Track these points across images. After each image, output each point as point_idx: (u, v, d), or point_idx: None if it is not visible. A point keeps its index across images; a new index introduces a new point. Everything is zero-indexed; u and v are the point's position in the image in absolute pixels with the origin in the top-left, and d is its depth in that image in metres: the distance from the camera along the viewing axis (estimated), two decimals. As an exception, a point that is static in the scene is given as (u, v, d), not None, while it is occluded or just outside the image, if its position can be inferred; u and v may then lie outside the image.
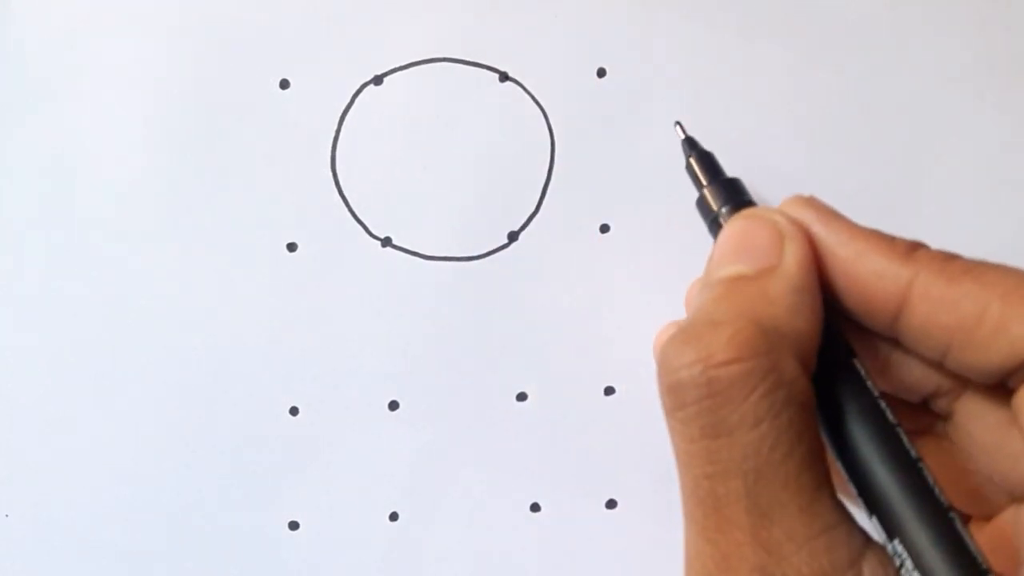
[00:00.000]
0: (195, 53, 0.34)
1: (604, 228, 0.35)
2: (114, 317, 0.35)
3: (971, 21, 0.35)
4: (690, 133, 0.30)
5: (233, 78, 0.34)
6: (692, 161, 0.28)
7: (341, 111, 0.34)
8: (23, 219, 0.34)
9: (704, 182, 0.27)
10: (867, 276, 0.22)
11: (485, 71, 0.34)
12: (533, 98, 0.34)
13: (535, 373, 0.36)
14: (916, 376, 0.24)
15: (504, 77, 0.34)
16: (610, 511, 0.36)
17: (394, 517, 0.37)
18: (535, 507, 0.37)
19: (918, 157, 0.35)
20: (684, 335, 0.21)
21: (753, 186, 0.34)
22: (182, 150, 0.34)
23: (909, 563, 0.20)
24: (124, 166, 0.34)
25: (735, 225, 0.24)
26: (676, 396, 0.21)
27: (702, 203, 0.27)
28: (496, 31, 0.34)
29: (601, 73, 0.34)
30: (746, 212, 0.25)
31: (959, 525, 0.20)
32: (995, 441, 0.23)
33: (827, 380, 0.22)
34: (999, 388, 0.22)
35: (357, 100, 0.34)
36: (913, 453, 0.21)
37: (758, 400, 0.20)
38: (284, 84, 0.34)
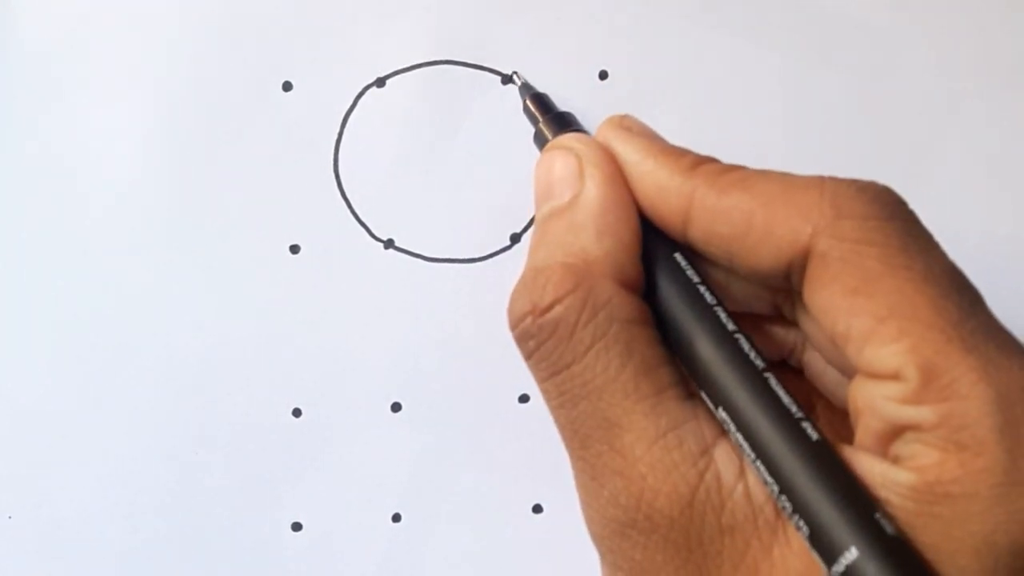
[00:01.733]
0: (198, 55, 0.34)
1: (606, 230, 0.35)
2: (116, 318, 0.35)
3: (971, 22, 0.35)
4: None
5: (236, 80, 0.34)
6: (528, 102, 0.30)
7: (344, 113, 0.34)
8: (26, 220, 0.34)
9: (539, 118, 0.29)
10: (654, 190, 0.23)
11: (487, 73, 0.34)
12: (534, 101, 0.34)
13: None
14: (748, 292, 0.25)
15: (506, 79, 0.34)
16: (612, 512, 0.37)
17: (396, 518, 0.37)
18: (537, 508, 0.37)
19: (918, 158, 0.35)
20: (517, 288, 0.23)
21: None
22: (185, 152, 0.34)
23: (732, 426, 0.21)
24: (127, 168, 0.34)
25: (542, 160, 0.25)
26: (522, 346, 0.23)
27: (538, 137, 0.29)
28: (498, 33, 0.34)
29: (603, 75, 0.34)
30: (551, 143, 0.26)
31: (773, 382, 0.21)
32: (822, 341, 0.24)
33: (653, 279, 0.23)
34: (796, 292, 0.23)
35: (360, 102, 0.34)
36: (730, 327, 0.22)
37: (582, 329, 0.22)
38: (287, 86, 0.34)
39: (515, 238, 0.35)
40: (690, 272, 0.23)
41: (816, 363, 0.26)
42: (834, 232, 0.21)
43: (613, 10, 0.34)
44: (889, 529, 0.19)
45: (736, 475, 0.21)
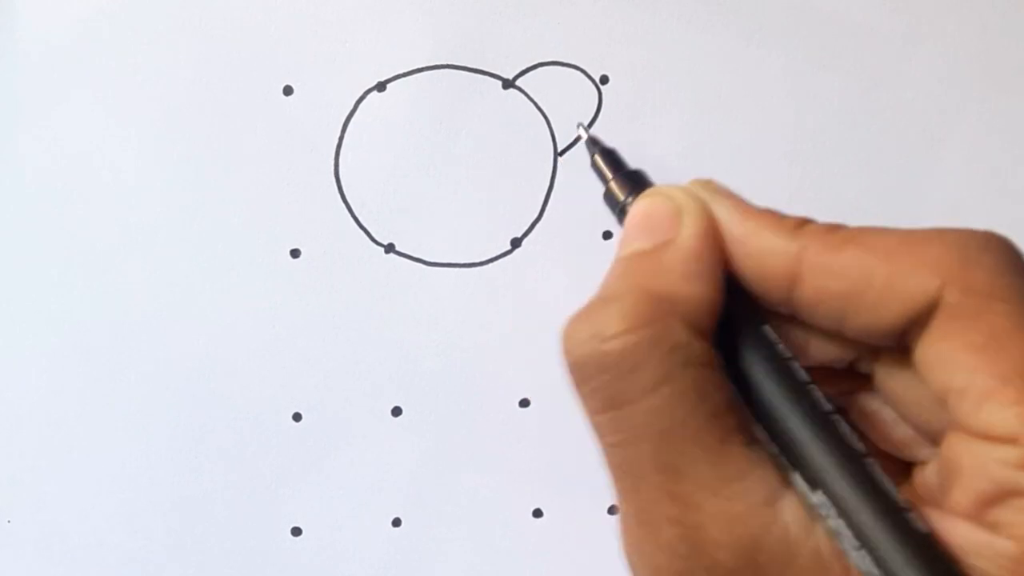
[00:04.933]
0: (199, 59, 0.34)
1: (607, 235, 0.35)
2: (117, 322, 0.35)
3: (972, 26, 0.35)
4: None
5: (237, 84, 0.34)
6: (596, 158, 0.29)
7: (344, 117, 0.34)
8: (27, 223, 0.34)
9: (609, 176, 0.29)
10: (759, 252, 0.23)
11: (488, 78, 0.34)
12: (536, 105, 0.34)
13: (537, 379, 0.36)
14: (830, 351, 0.24)
15: (507, 84, 0.34)
16: (612, 516, 0.36)
17: (397, 523, 0.37)
18: (537, 512, 0.37)
19: (919, 160, 0.35)
20: (582, 313, 0.22)
21: (754, 188, 0.34)
22: (186, 156, 0.34)
23: (833, 511, 0.20)
24: (128, 171, 0.34)
25: (638, 206, 0.25)
26: (577, 373, 0.22)
27: (609, 196, 0.28)
28: (499, 38, 0.34)
29: (604, 80, 0.34)
30: (648, 191, 0.26)
31: (875, 469, 0.21)
32: (911, 396, 0.23)
33: (736, 346, 0.23)
34: (903, 348, 0.22)
35: (360, 106, 0.34)
36: (825, 407, 0.22)
37: (653, 367, 0.21)
38: (288, 90, 0.34)
39: (515, 242, 0.35)
40: (781, 347, 0.22)
41: (878, 415, 0.26)
42: (963, 285, 0.20)
43: (614, 14, 0.34)
44: None
45: (805, 531, 0.21)
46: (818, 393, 0.22)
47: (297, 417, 0.36)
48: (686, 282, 0.22)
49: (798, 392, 0.22)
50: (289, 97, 0.34)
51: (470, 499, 0.36)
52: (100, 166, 0.34)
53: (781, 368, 0.22)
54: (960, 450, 0.20)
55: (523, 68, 0.34)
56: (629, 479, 0.22)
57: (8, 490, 0.36)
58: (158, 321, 0.35)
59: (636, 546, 0.22)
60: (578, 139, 0.33)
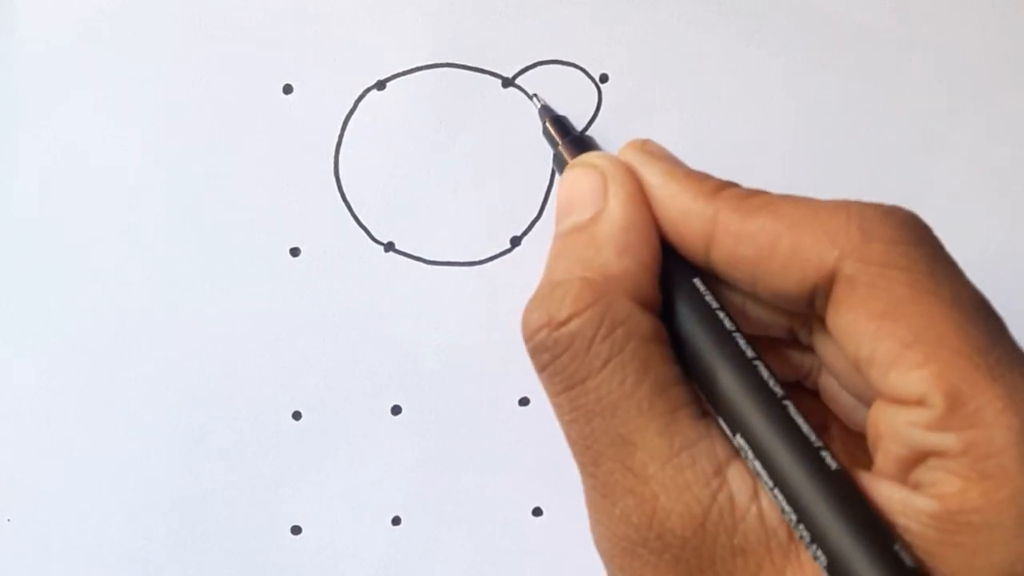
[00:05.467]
0: (198, 58, 0.34)
1: (606, 233, 0.35)
2: (116, 321, 0.35)
3: (972, 26, 0.35)
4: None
5: (236, 83, 0.34)
6: (547, 125, 0.30)
7: (344, 116, 0.34)
8: (27, 222, 0.34)
9: (558, 141, 0.29)
10: (678, 214, 0.23)
11: (488, 76, 0.34)
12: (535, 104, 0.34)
13: (537, 378, 0.36)
14: (765, 317, 0.25)
15: (507, 82, 0.34)
16: (612, 515, 0.37)
17: (396, 522, 0.37)
18: (537, 511, 0.37)
19: (919, 160, 0.35)
20: (535, 300, 0.23)
21: (752, 186, 0.34)
22: (185, 155, 0.34)
23: (750, 453, 0.21)
24: (127, 170, 0.34)
25: (567, 176, 0.25)
26: (537, 358, 0.23)
27: (557, 160, 0.29)
28: (499, 36, 0.34)
29: (604, 78, 0.34)
30: (575, 160, 0.26)
31: (792, 410, 0.21)
32: (841, 366, 0.24)
33: (672, 302, 0.23)
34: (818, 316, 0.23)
35: (360, 105, 0.34)
36: (749, 353, 0.22)
37: (598, 345, 0.22)
38: (287, 89, 0.34)
39: (515, 241, 0.35)
40: (709, 298, 0.23)
41: (830, 388, 0.26)
42: (861, 256, 0.21)
43: (614, 13, 0.34)
44: (908, 561, 0.19)
45: (750, 496, 0.21)
46: (742, 340, 0.22)
47: (297, 416, 0.36)
48: (621, 255, 0.23)
49: (721, 338, 0.22)
50: (289, 96, 0.34)
51: (470, 498, 0.36)
52: (99, 165, 0.34)
53: (705, 317, 0.23)
54: (877, 415, 0.21)
55: (523, 67, 0.34)
56: (588, 455, 0.22)
57: (7, 489, 0.36)
58: (157, 320, 0.35)
59: (597, 518, 0.23)
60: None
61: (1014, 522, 0.19)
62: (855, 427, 0.26)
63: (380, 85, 0.34)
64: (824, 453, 0.20)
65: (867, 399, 0.23)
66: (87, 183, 0.34)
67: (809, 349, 0.25)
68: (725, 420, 0.22)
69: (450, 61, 0.34)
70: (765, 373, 0.22)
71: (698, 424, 0.22)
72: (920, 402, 0.20)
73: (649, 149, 0.25)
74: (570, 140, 0.29)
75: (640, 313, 0.22)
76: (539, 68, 0.34)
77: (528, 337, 0.23)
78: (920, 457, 0.20)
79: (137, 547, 0.36)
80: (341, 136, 0.34)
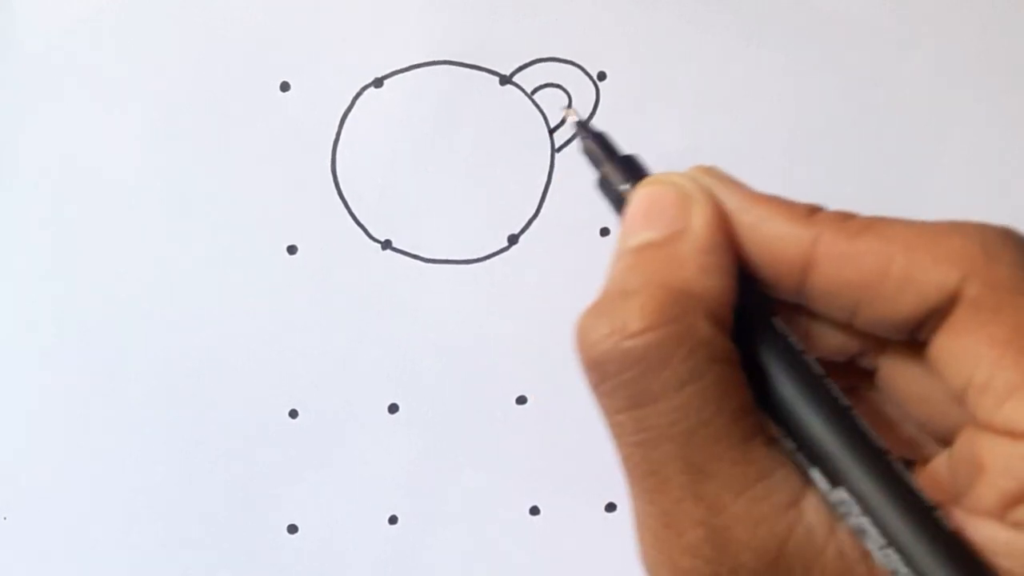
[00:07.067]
0: (196, 56, 0.34)
1: (604, 231, 0.35)
2: (114, 319, 0.35)
3: (972, 25, 0.35)
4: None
5: (234, 81, 0.34)
6: (588, 143, 0.28)
7: (341, 114, 0.34)
8: (25, 221, 0.34)
9: (604, 160, 0.28)
10: (771, 240, 0.22)
11: (485, 74, 0.34)
12: (533, 101, 0.34)
13: (535, 377, 0.36)
14: (836, 342, 0.24)
15: (504, 80, 0.34)
16: (610, 514, 0.36)
17: (393, 520, 0.37)
18: (534, 510, 0.37)
19: (919, 158, 0.35)
20: (597, 308, 0.21)
21: (753, 186, 0.34)
22: (182, 152, 0.34)
23: (856, 508, 0.20)
24: (124, 168, 0.34)
25: (641, 193, 0.24)
26: (596, 371, 0.21)
27: (604, 183, 0.27)
28: (497, 34, 0.34)
29: (602, 76, 0.34)
30: (650, 179, 0.25)
31: (898, 465, 0.20)
32: (919, 392, 0.23)
33: (749, 339, 0.22)
34: (914, 341, 0.22)
35: (357, 103, 0.34)
36: (843, 401, 0.21)
37: (678, 365, 0.20)
38: (285, 87, 0.34)
39: (512, 239, 0.35)
40: (793, 339, 0.22)
41: (869, 406, 0.26)
42: (986, 279, 0.20)
43: (612, 11, 0.34)
44: None
45: (828, 530, 0.20)
46: (835, 387, 0.21)
47: (293, 414, 0.36)
48: (705, 275, 0.22)
49: (815, 386, 0.21)
50: (286, 93, 0.34)
51: (467, 496, 0.36)
52: (96, 163, 0.34)
53: (796, 362, 0.22)
54: (981, 447, 0.20)
55: (520, 64, 0.34)
56: (652, 480, 0.21)
57: (4, 487, 0.36)
58: (155, 318, 0.35)
59: (658, 548, 0.22)
60: (576, 135, 0.32)
61: None
62: (895, 450, 0.25)
63: (378, 83, 0.34)
64: (937, 514, 0.20)
65: (939, 431, 0.22)
66: (84, 181, 0.34)
67: (858, 370, 0.25)
68: (824, 473, 0.21)
69: (447, 59, 0.34)
70: (862, 424, 0.21)
71: (772, 453, 0.21)
72: None
73: (719, 174, 0.24)
74: (618, 162, 0.27)
75: (721, 336, 0.21)
76: (537, 66, 0.34)
77: (588, 346, 0.21)
78: None
79: (134, 545, 0.36)
80: (338, 134, 0.34)
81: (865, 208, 0.34)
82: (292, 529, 0.36)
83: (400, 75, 0.34)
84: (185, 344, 0.35)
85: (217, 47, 0.34)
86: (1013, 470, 0.19)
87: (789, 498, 0.20)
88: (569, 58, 0.34)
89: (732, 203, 0.23)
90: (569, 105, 0.32)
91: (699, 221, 0.22)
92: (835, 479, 0.20)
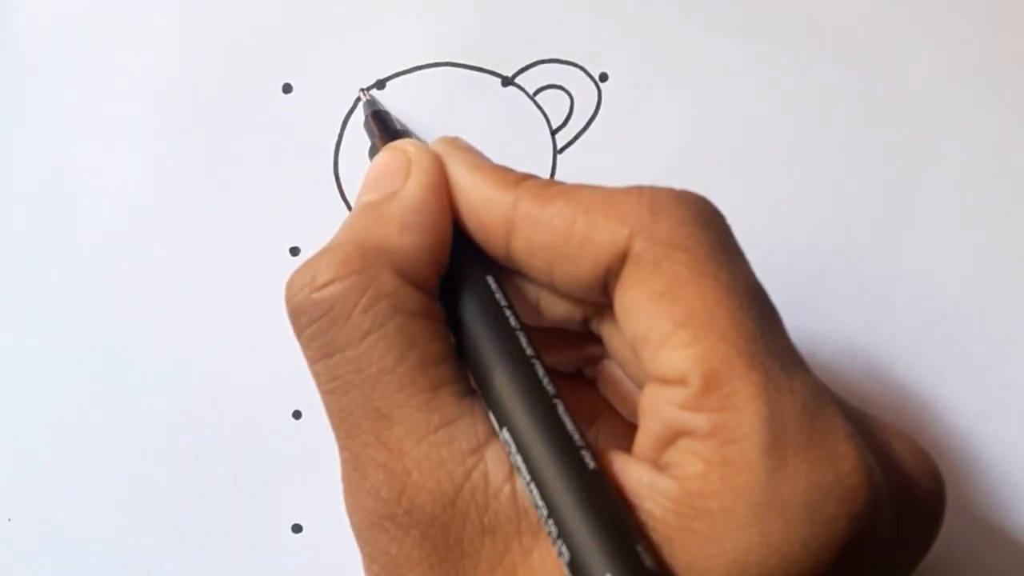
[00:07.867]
0: (198, 57, 0.34)
1: (606, 232, 0.35)
2: (117, 321, 0.35)
3: (972, 23, 0.35)
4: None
5: (236, 82, 0.34)
6: (369, 118, 0.30)
7: (344, 115, 0.34)
8: (26, 222, 0.34)
9: (377, 134, 0.30)
10: (479, 204, 0.23)
11: (488, 75, 0.34)
12: (535, 103, 0.34)
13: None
14: (562, 310, 0.25)
15: (506, 81, 0.34)
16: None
17: (397, 520, 0.37)
18: (537, 510, 0.37)
19: (918, 157, 0.35)
20: (304, 263, 0.23)
21: (753, 186, 0.34)
22: (185, 154, 0.34)
23: (513, 447, 0.21)
24: (126, 170, 0.34)
25: (376, 158, 0.25)
26: (294, 321, 0.23)
27: (372, 152, 0.29)
28: (499, 35, 0.34)
29: (603, 78, 0.34)
30: (387, 146, 0.26)
31: (561, 409, 0.21)
32: (625, 353, 0.24)
33: (458, 293, 0.23)
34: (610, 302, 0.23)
35: (360, 104, 0.34)
36: (528, 351, 0.22)
37: (360, 314, 0.21)
38: (287, 88, 0.34)
39: (515, 240, 0.35)
40: (499, 295, 0.23)
41: (612, 374, 0.26)
42: (650, 235, 0.21)
43: (613, 12, 0.34)
44: (648, 563, 0.19)
45: (504, 477, 0.21)
46: (524, 338, 0.22)
47: (297, 415, 0.36)
48: (404, 233, 0.23)
49: (501, 336, 0.22)
50: (288, 95, 0.34)
51: (470, 496, 0.36)
52: (97, 164, 0.34)
53: (490, 316, 0.23)
54: (644, 395, 0.21)
55: (523, 66, 0.34)
56: (344, 427, 0.22)
57: (7, 488, 0.36)
58: (157, 319, 0.35)
59: (348, 491, 0.23)
60: (578, 136, 0.33)
61: (749, 511, 0.18)
62: (631, 417, 0.25)
63: (380, 84, 0.34)
64: (584, 453, 0.20)
65: (642, 383, 0.22)
66: (86, 182, 0.34)
67: (598, 340, 0.25)
68: (495, 416, 0.22)
69: (450, 60, 0.34)
70: (540, 371, 0.22)
71: (462, 402, 0.22)
72: (680, 381, 0.20)
73: (458, 144, 0.25)
74: (389, 135, 0.29)
75: (408, 288, 0.22)
76: (538, 67, 0.34)
77: (287, 298, 0.23)
78: (674, 436, 0.20)
79: (136, 545, 0.36)
80: (341, 135, 0.34)
81: (866, 208, 0.35)
82: (296, 529, 0.36)
83: (402, 77, 0.34)
84: (188, 346, 0.35)
85: (219, 49, 0.34)
86: (660, 413, 0.20)
87: (471, 445, 0.21)
88: (571, 59, 0.34)
89: (458, 170, 0.24)
90: (368, 88, 0.33)
91: (412, 184, 0.24)
92: (501, 421, 0.21)
